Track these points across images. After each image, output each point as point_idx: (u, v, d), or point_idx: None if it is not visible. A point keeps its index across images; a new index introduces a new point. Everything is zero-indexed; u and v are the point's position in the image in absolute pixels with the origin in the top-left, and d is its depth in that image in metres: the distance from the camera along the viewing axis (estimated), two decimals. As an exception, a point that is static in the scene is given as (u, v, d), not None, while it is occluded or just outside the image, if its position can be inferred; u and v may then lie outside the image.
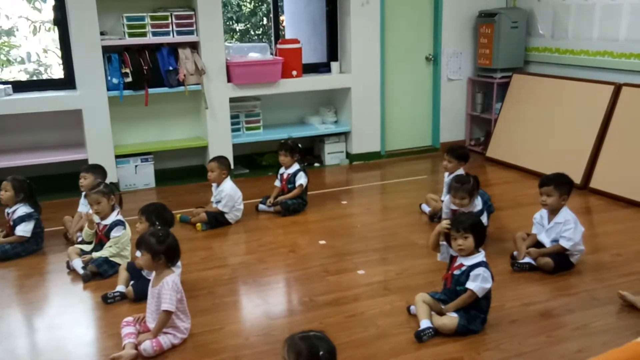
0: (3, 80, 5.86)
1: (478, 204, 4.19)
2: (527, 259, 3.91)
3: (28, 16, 8.16)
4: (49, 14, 5.97)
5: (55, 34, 6.05)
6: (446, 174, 4.94)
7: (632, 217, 4.90)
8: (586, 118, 5.76)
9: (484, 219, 4.17)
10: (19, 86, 5.72)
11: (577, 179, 5.46)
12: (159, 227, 3.50)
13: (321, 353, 2.07)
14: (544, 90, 6.35)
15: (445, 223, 3.26)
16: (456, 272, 3.20)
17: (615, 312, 3.36)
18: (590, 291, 3.62)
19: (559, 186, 3.87)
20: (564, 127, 5.95)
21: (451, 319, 3.13)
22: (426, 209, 5.01)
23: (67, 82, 5.81)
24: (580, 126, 5.78)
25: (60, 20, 5.67)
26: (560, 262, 3.84)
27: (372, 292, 3.70)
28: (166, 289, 3.07)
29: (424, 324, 3.14)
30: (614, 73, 5.79)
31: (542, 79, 6.47)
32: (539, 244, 3.98)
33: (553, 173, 4.03)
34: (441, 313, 3.20)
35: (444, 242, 3.29)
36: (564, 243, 3.82)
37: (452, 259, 3.27)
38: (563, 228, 3.84)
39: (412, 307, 3.33)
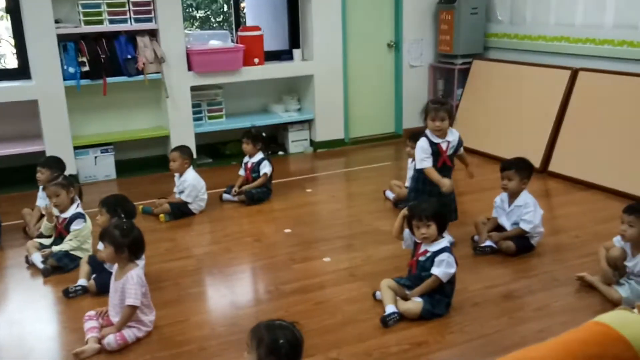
0: (-47, 71, 5.65)
1: (455, 134, 3.99)
2: (488, 242, 3.97)
3: (-22, 4, 7.88)
4: (0, 1, 5.76)
5: (8, 23, 5.85)
6: (409, 160, 4.98)
7: (590, 199, 5.03)
8: (544, 102, 5.87)
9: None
10: (-30, 77, 5.54)
11: (536, 162, 5.56)
12: (124, 220, 3.44)
13: (281, 342, 2.08)
14: (503, 75, 6.44)
15: (406, 208, 3.29)
16: (421, 258, 3.24)
17: (574, 292, 3.46)
18: (550, 272, 3.71)
19: (520, 170, 3.95)
20: (523, 111, 6.05)
21: (416, 304, 3.17)
22: (390, 195, 5.05)
23: (22, 71, 5.64)
24: (539, 110, 5.89)
25: (13, 8, 5.49)
26: (522, 245, 3.92)
27: (338, 279, 3.72)
28: (131, 283, 3.02)
29: (389, 309, 3.17)
30: (571, 58, 5.90)
31: (501, 64, 6.56)
32: (499, 228, 4.06)
33: (514, 157, 4.11)
34: (406, 298, 3.24)
35: (407, 229, 3.33)
36: (524, 226, 3.90)
37: (417, 245, 3.30)
38: (523, 211, 3.92)
39: (378, 293, 3.36)
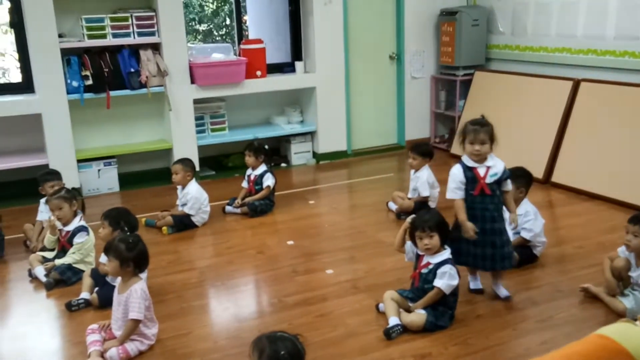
0: (-42, 85, 5.69)
1: (499, 162, 3.41)
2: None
3: (-17, 19, 7.94)
4: (4, 16, 5.80)
5: (12, 37, 5.89)
6: (412, 171, 4.99)
7: (593, 209, 5.01)
8: (546, 113, 5.88)
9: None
10: (-25, 91, 5.57)
11: (538, 173, 5.57)
12: (128, 233, 3.44)
13: (282, 353, 2.07)
14: (505, 86, 6.45)
15: (409, 219, 3.29)
16: (423, 270, 3.23)
17: (578, 304, 3.44)
18: (554, 283, 3.69)
19: (515, 179, 3.92)
20: (525, 122, 6.06)
21: (419, 316, 3.16)
22: (393, 206, 5.04)
23: (26, 86, 5.67)
24: (541, 121, 5.90)
25: (17, 22, 5.53)
26: (525, 255, 3.90)
27: (341, 291, 3.71)
28: (134, 297, 3.02)
29: (393, 321, 3.16)
30: (573, 69, 5.91)
31: (503, 75, 6.57)
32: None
33: (512, 167, 4.09)
34: (409, 310, 3.23)
35: (409, 242, 3.32)
36: (525, 234, 3.89)
37: (419, 257, 3.29)
38: (523, 220, 3.90)
39: (381, 305, 3.35)
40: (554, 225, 4.64)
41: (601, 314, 3.29)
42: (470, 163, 3.38)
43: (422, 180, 4.84)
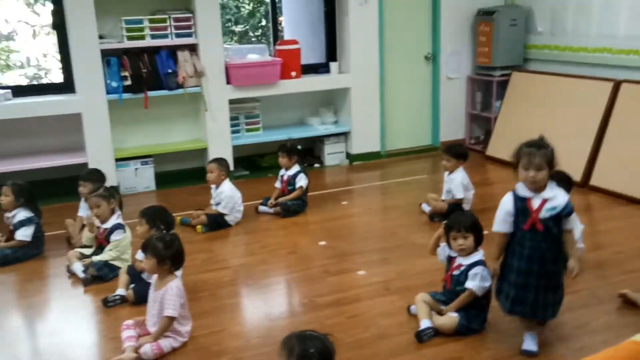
0: (3, 85, 5.86)
1: (560, 195, 2.92)
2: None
3: (27, 20, 8.17)
4: (48, 18, 5.96)
5: (54, 38, 6.05)
6: (446, 173, 4.94)
7: (632, 214, 4.89)
8: (586, 115, 5.76)
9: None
10: (18, 91, 5.72)
11: (577, 176, 5.45)
12: (164, 231, 3.50)
13: (311, 351, 2.08)
14: (544, 87, 6.34)
15: (443, 225, 3.26)
16: (455, 272, 3.20)
17: (615, 310, 3.36)
18: (591, 289, 3.62)
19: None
20: (563, 124, 5.94)
21: (451, 319, 3.13)
22: (426, 208, 5.01)
23: (67, 86, 5.82)
24: (580, 123, 5.78)
25: (59, 24, 5.67)
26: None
27: (373, 292, 3.70)
28: (170, 294, 3.07)
29: (425, 323, 3.14)
30: (613, 69, 5.77)
31: (541, 76, 6.46)
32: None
33: (553, 170, 4.01)
34: (441, 313, 3.20)
35: (443, 243, 3.30)
36: (564, 240, 3.81)
37: (451, 259, 3.27)
38: (563, 225, 3.83)
39: (413, 307, 3.33)
40: (592, 230, 4.54)
41: (639, 321, 3.21)
42: (523, 192, 2.92)
43: (456, 182, 4.80)
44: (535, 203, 2.89)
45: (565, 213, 2.88)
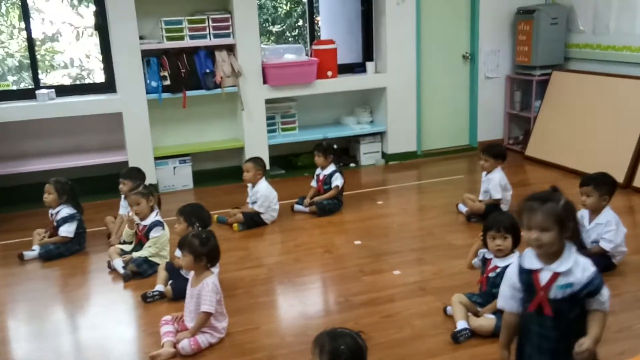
0: (47, 85, 6.03)
1: (580, 267, 2.23)
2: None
3: (71, 22, 8.38)
4: (91, 19, 6.10)
5: (96, 39, 6.19)
6: (484, 173, 4.88)
7: (678, 216, 4.75)
8: (629, 115, 5.61)
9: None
10: (62, 90, 5.87)
11: (619, 177, 5.32)
12: (200, 229, 3.55)
13: (342, 348, 2.08)
14: (585, 87, 6.21)
15: (480, 238, 3.22)
16: (491, 274, 3.17)
17: (659, 315, 3.28)
18: (633, 292, 3.53)
19: (598, 186, 3.78)
20: (605, 124, 5.81)
21: (488, 320, 3.10)
22: (463, 209, 4.95)
23: (108, 86, 5.95)
24: (623, 124, 5.63)
25: (101, 25, 5.80)
26: (602, 264, 3.71)
27: (408, 292, 3.68)
28: (206, 290, 3.11)
29: (461, 325, 3.11)
30: (658, 69, 5.63)
31: (583, 75, 6.32)
32: (578, 245, 3.89)
33: (595, 172, 3.93)
34: (478, 315, 3.17)
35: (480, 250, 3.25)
36: (605, 245, 3.73)
37: (486, 261, 3.23)
38: (604, 229, 3.75)
39: (449, 308, 3.30)
40: (635, 232, 4.42)
41: (685, 326, 3.13)
42: (530, 262, 2.28)
43: (494, 183, 4.74)
44: (544, 277, 2.23)
45: (585, 293, 2.20)
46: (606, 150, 5.67)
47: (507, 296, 2.38)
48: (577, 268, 2.21)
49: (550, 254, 2.23)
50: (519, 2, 6.80)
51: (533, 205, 2.23)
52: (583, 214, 3.91)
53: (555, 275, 2.22)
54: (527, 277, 2.27)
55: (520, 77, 6.94)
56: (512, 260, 3.10)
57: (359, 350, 2.13)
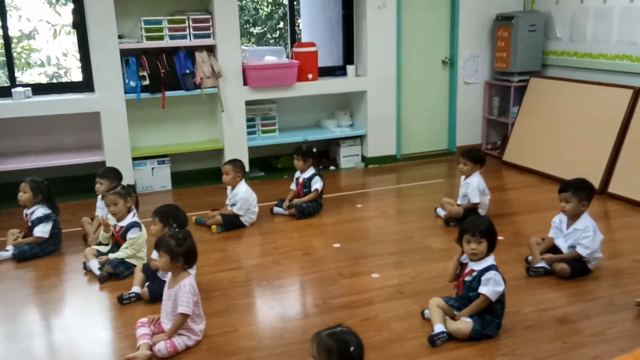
0: (23, 83, 5.94)
1: None
2: (542, 264, 3.87)
3: (48, 20, 8.27)
4: (69, 17, 6.03)
5: (74, 37, 6.11)
6: (462, 177, 4.92)
7: (651, 222, 4.83)
8: (604, 122, 5.70)
9: None
10: (38, 89, 5.78)
11: (595, 183, 5.36)
12: (177, 229, 3.52)
13: (352, 349, 2.07)
14: (562, 94, 6.29)
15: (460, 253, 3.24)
16: (467, 278, 3.18)
17: (633, 318, 3.32)
18: (607, 297, 3.58)
19: (577, 192, 3.82)
20: (582, 131, 5.89)
21: (465, 324, 3.11)
22: (441, 212, 4.98)
23: (86, 85, 5.88)
24: (599, 130, 5.72)
25: (79, 23, 5.73)
26: (577, 268, 3.79)
27: (386, 295, 3.69)
28: (183, 291, 3.08)
29: (438, 328, 3.12)
30: (633, 77, 5.71)
31: (560, 82, 6.41)
32: (554, 249, 3.95)
33: (574, 178, 3.98)
34: (455, 318, 3.18)
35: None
36: (581, 250, 3.78)
37: (462, 265, 3.25)
38: (582, 235, 3.79)
39: (426, 312, 3.31)
40: (610, 237, 4.49)
41: (657, 330, 3.18)
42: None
43: (472, 187, 4.78)
44: None
45: None
46: (582, 156, 5.74)
47: None
48: None
49: None
50: (498, 9, 6.88)
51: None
52: (562, 219, 3.97)
53: None
54: None
55: (498, 82, 7.01)
56: (489, 263, 3.14)
57: (362, 346, 2.13)
